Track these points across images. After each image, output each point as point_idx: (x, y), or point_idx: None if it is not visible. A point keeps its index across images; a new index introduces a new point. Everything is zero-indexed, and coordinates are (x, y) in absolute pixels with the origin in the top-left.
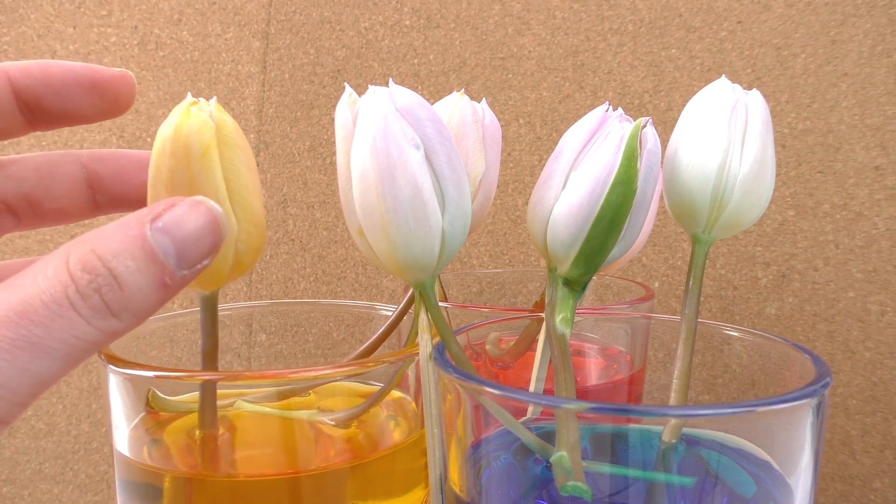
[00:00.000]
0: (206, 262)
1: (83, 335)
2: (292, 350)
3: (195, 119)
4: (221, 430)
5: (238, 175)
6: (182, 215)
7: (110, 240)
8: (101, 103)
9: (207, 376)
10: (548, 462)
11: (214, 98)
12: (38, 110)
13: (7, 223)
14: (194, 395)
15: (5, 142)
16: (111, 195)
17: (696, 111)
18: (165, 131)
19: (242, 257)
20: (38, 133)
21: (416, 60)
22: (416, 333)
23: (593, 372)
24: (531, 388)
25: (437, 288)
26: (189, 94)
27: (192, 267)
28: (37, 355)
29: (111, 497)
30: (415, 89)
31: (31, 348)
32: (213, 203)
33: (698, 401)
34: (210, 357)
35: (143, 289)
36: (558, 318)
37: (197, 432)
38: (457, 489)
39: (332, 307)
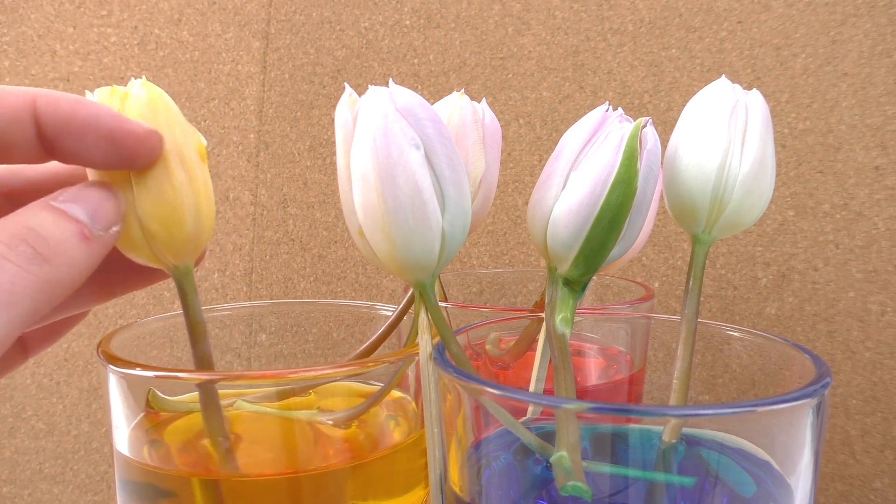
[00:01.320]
0: (116, 227)
1: (19, 280)
2: (292, 350)
3: (99, 100)
4: (231, 436)
5: None
6: (78, 191)
7: (20, 213)
8: (118, 157)
9: (207, 376)
10: (548, 462)
11: (143, 77)
12: (55, 144)
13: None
14: (194, 395)
15: None
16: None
17: (696, 111)
18: (136, 93)
19: (148, 224)
20: None
21: (416, 60)
22: (416, 333)
23: (593, 372)
24: (531, 388)
25: (437, 288)
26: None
27: (106, 228)
28: None
29: (111, 497)
30: (415, 89)
31: None
32: (103, 183)
33: (698, 401)
34: (198, 339)
35: (67, 238)
36: (558, 318)
37: (206, 441)
38: (457, 489)
39: (332, 307)
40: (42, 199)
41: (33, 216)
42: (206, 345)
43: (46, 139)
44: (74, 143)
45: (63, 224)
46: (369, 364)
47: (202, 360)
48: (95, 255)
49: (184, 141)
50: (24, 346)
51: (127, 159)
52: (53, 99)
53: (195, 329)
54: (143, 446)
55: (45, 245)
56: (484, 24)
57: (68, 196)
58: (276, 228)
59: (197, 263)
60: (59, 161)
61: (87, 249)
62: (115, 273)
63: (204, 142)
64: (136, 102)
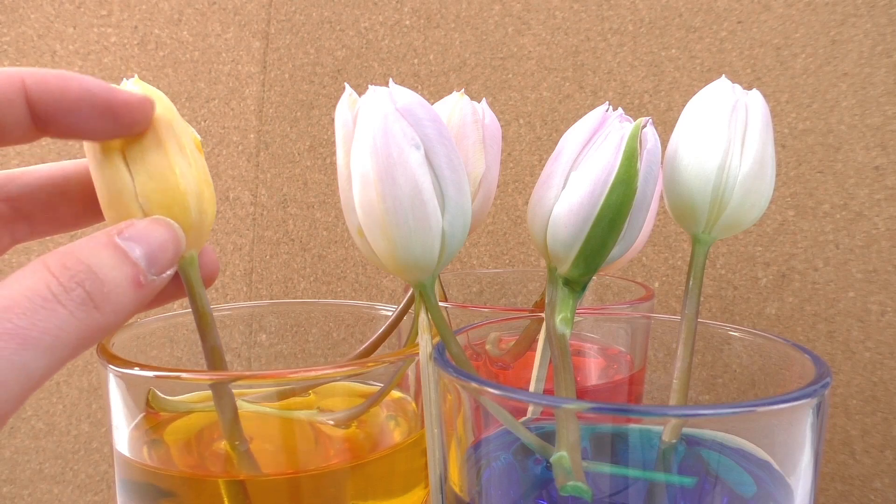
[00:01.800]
0: (170, 271)
1: (67, 326)
2: (292, 350)
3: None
4: (250, 438)
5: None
6: (144, 227)
7: (83, 247)
8: (114, 127)
9: (207, 377)
10: (548, 462)
11: (136, 76)
12: (49, 122)
13: (20, 232)
14: (194, 395)
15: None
16: None
17: (696, 111)
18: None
19: (152, 213)
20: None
21: (416, 60)
22: (416, 333)
23: (593, 372)
24: (531, 388)
25: (437, 288)
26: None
27: (160, 273)
28: (21, 346)
29: (111, 497)
30: (415, 89)
31: (14, 339)
32: (170, 220)
33: (698, 401)
34: (207, 330)
35: (121, 284)
36: (558, 318)
37: (224, 444)
38: (457, 489)
39: (332, 307)
40: (107, 230)
41: (95, 254)
42: (216, 336)
43: (39, 117)
44: (69, 117)
45: (122, 268)
46: (369, 364)
47: (213, 353)
48: (143, 301)
49: (182, 132)
50: None
51: (123, 127)
52: (41, 76)
53: (203, 319)
54: (143, 446)
55: (99, 290)
56: (484, 24)
57: (133, 234)
58: (276, 228)
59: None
60: (54, 137)
61: (137, 296)
62: None
63: (198, 137)
64: None
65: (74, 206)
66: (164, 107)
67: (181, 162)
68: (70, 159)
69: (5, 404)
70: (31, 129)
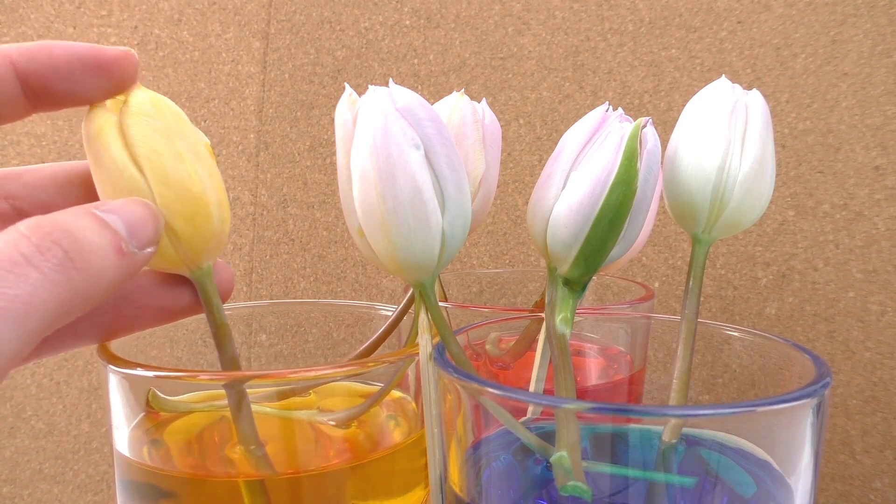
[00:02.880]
0: (151, 248)
1: (40, 292)
2: (292, 350)
3: (92, 111)
4: (265, 441)
5: (147, 140)
6: (121, 204)
7: (58, 215)
8: (107, 84)
9: (207, 376)
10: (548, 462)
11: (138, 83)
12: (42, 93)
13: None
14: (194, 396)
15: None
16: None
17: (696, 111)
18: (138, 99)
19: (172, 223)
20: (39, 133)
21: (416, 60)
22: (416, 333)
23: (593, 372)
24: (531, 388)
25: (437, 288)
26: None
27: (141, 247)
28: None
29: (111, 497)
30: (415, 89)
31: None
32: (147, 201)
33: (698, 401)
34: (225, 342)
35: (103, 247)
36: (558, 318)
37: (238, 448)
38: (457, 489)
39: (332, 307)
40: (83, 205)
41: (73, 219)
42: (233, 347)
43: (32, 90)
44: (64, 83)
45: (102, 232)
46: (369, 364)
47: (231, 364)
48: (126, 272)
49: (195, 139)
50: None
51: (115, 83)
52: (27, 48)
53: (220, 331)
54: (143, 446)
55: (78, 251)
56: (484, 24)
57: (111, 207)
58: (276, 228)
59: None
60: (49, 109)
61: (119, 264)
62: (123, 310)
63: (206, 140)
64: (139, 102)
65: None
66: (173, 114)
67: (201, 170)
68: (70, 160)
69: None
70: (24, 104)
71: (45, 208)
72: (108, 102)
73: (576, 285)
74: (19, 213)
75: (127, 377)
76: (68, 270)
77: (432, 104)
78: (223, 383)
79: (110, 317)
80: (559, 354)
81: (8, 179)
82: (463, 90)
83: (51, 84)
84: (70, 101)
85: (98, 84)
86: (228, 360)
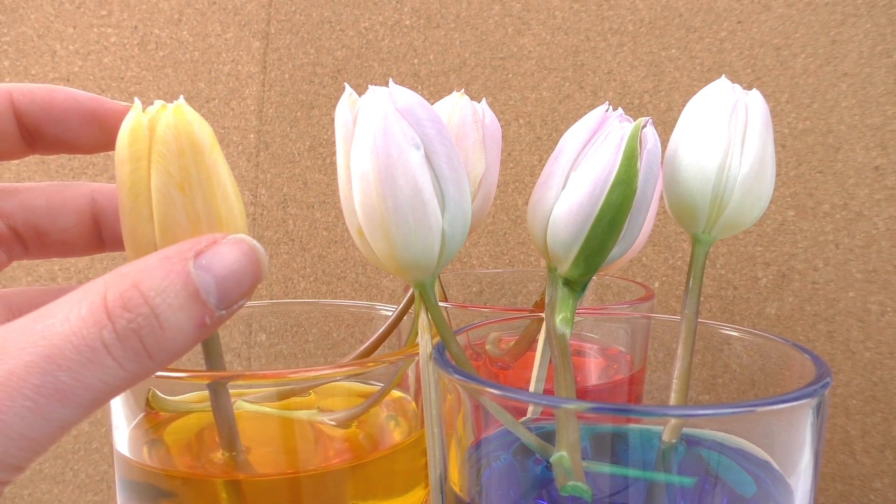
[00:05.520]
0: (243, 301)
1: (112, 380)
2: (292, 350)
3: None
4: (245, 447)
5: (159, 185)
6: (225, 253)
7: (153, 274)
8: (102, 137)
9: (208, 375)
10: (548, 462)
11: (181, 97)
12: (37, 136)
13: (17, 250)
14: (194, 395)
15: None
16: (116, 236)
17: (696, 111)
18: (163, 132)
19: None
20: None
21: (416, 60)
22: (416, 333)
23: (593, 372)
24: (531, 388)
25: (437, 288)
26: (137, 100)
27: (230, 307)
28: (62, 403)
29: (111, 497)
30: (415, 89)
31: (56, 395)
32: (254, 241)
33: (698, 401)
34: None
35: (183, 328)
36: (558, 318)
37: (218, 454)
38: (457, 489)
39: (332, 307)
40: (184, 249)
41: (163, 288)
42: (219, 348)
43: (28, 131)
44: (57, 129)
45: (188, 308)
46: (369, 364)
47: (216, 362)
48: (198, 342)
49: (216, 175)
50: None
51: (112, 138)
52: (28, 89)
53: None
54: (142, 446)
55: (156, 339)
56: (484, 24)
57: (211, 260)
58: (276, 228)
59: None
60: (43, 153)
61: (196, 338)
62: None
63: (231, 176)
64: (163, 134)
65: (65, 234)
66: (207, 134)
67: (240, 204)
68: (62, 179)
69: (31, 455)
70: (21, 144)
71: (35, 231)
72: (148, 116)
73: (576, 285)
74: (14, 233)
75: None
76: (142, 361)
77: (432, 104)
78: (206, 383)
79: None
80: (559, 354)
81: (3, 197)
82: (463, 90)
83: (44, 127)
84: (62, 147)
85: (92, 135)
86: (214, 359)
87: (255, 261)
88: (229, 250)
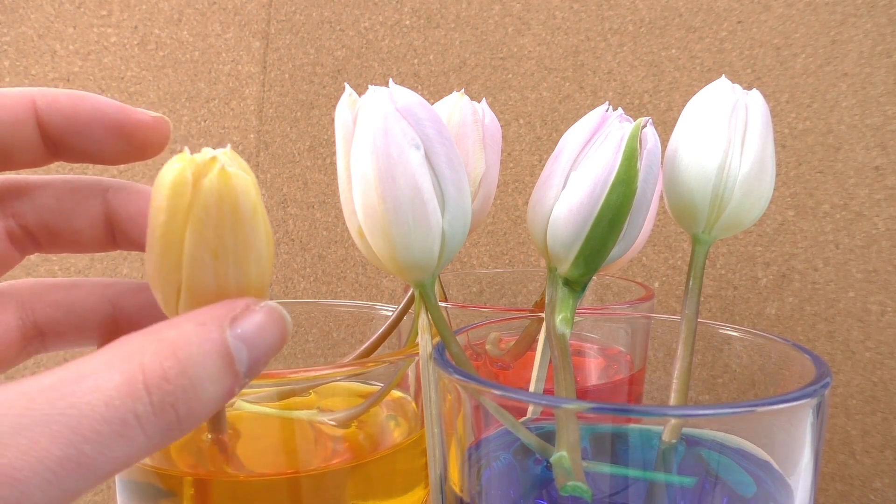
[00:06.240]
0: (262, 369)
1: (136, 452)
2: (292, 350)
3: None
4: (230, 431)
5: (192, 249)
6: (260, 324)
7: (191, 342)
8: (128, 148)
9: None
10: (548, 462)
11: (228, 146)
12: (60, 145)
13: (29, 247)
14: None
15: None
16: (128, 237)
17: (696, 111)
18: (206, 198)
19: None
20: None
21: (416, 60)
22: (416, 333)
23: (593, 372)
24: (531, 388)
25: (437, 288)
26: (187, 149)
27: (255, 376)
28: (83, 476)
29: (111, 497)
30: (415, 89)
31: (77, 469)
32: (283, 310)
33: (698, 401)
34: None
35: (213, 398)
36: (558, 318)
37: (205, 435)
38: (457, 489)
39: (332, 307)
40: (221, 316)
41: (201, 359)
42: None
43: (51, 139)
44: (81, 139)
45: (222, 381)
46: (369, 364)
47: None
48: (220, 408)
49: (260, 218)
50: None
51: (138, 150)
52: (52, 96)
53: None
54: None
55: (189, 413)
56: (484, 24)
57: (247, 333)
58: (276, 228)
59: None
60: (66, 161)
61: (221, 405)
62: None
63: (270, 237)
64: (206, 199)
65: (77, 234)
66: (250, 200)
67: (270, 265)
68: (72, 174)
69: None
70: (43, 151)
71: (47, 229)
72: (193, 167)
73: (576, 285)
74: (26, 232)
75: None
76: (172, 434)
77: (432, 104)
78: None
79: (115, 327)
80: (559, 354)
81: (12, 194)
82: (463, 90)
83: (68, 137)
84: (85, 157)
85: (116, 146)
86: None
87: (283, 329)
88: (263, 320)
